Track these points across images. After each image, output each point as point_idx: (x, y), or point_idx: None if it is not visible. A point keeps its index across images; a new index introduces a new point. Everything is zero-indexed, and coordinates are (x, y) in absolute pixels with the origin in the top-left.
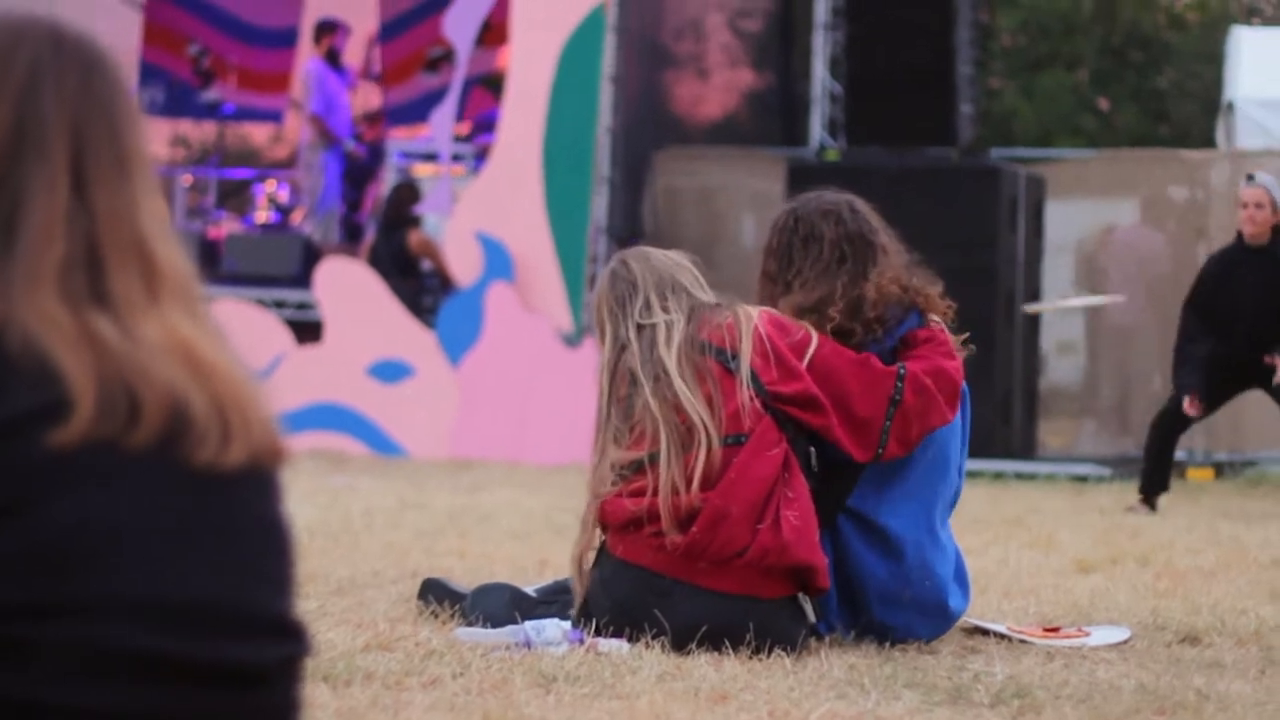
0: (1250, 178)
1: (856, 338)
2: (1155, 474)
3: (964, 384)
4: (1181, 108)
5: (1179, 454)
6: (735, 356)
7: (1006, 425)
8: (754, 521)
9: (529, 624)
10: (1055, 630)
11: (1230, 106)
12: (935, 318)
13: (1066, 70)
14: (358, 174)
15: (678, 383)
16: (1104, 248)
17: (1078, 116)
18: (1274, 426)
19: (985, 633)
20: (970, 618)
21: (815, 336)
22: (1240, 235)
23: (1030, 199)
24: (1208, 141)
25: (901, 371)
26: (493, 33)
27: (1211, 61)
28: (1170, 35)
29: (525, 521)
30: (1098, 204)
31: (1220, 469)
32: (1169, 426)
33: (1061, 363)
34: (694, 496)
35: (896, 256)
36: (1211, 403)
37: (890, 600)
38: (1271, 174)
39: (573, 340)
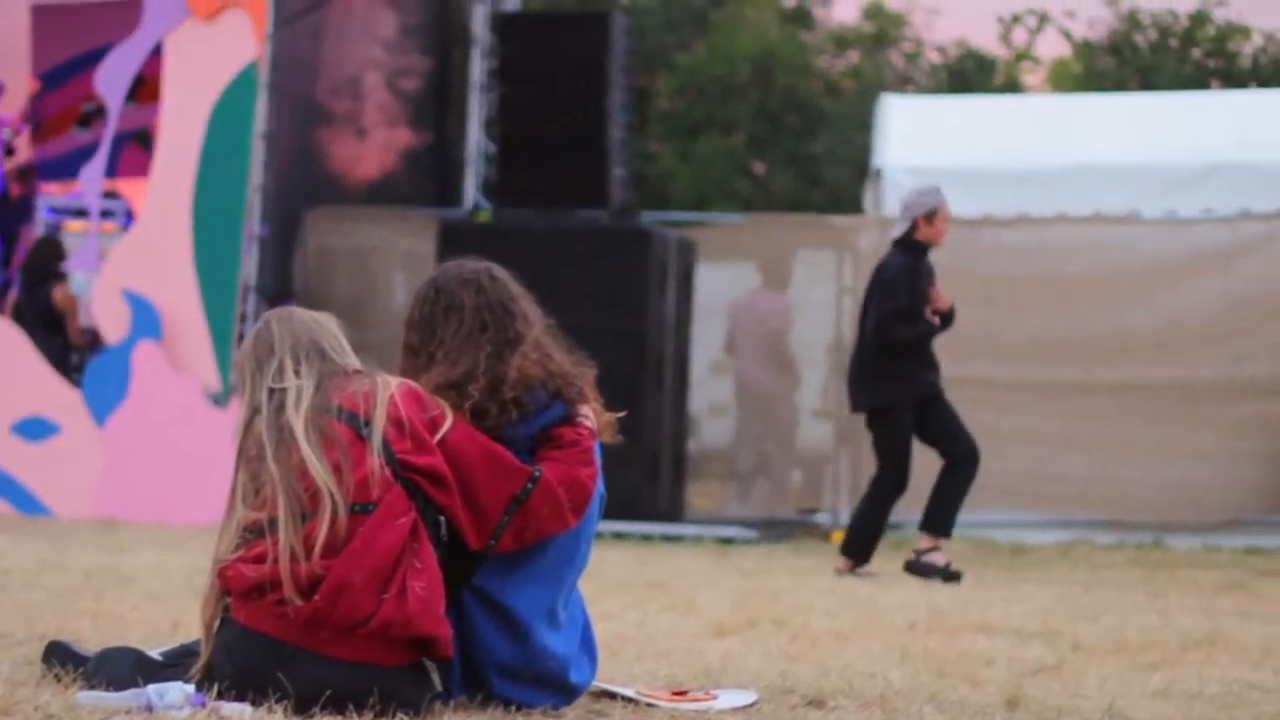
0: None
1: (491, 419)
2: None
3: (598, 488)
4: (835, 173)
5: (822, 517)
6: (369, 423)
7: (654, 487)
8: (379, 590)
9: (151, 688)
10: (683, 693)
11: (879, 173)
12: (584, 410)
13: (723, 135)
14: (6, 228)
15: (304, 447)
16: (738, 311)
17: (733, 181)
18: (916, 490)
19: (614, 696)
20: (600, 681)
21: (451, 416)
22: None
23: (681, 262)
24: (859, 206)
25: (536, 474)
26: (146, 88)
27: (864, 128)
28: (825, 102)
29: (165, 583)
30: (749, 268)
31: None
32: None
33: (713, 425)
34: (315, 564)
35: (538, 324)
36: None
37: (511, 675)
38: None
39: (220, 400)
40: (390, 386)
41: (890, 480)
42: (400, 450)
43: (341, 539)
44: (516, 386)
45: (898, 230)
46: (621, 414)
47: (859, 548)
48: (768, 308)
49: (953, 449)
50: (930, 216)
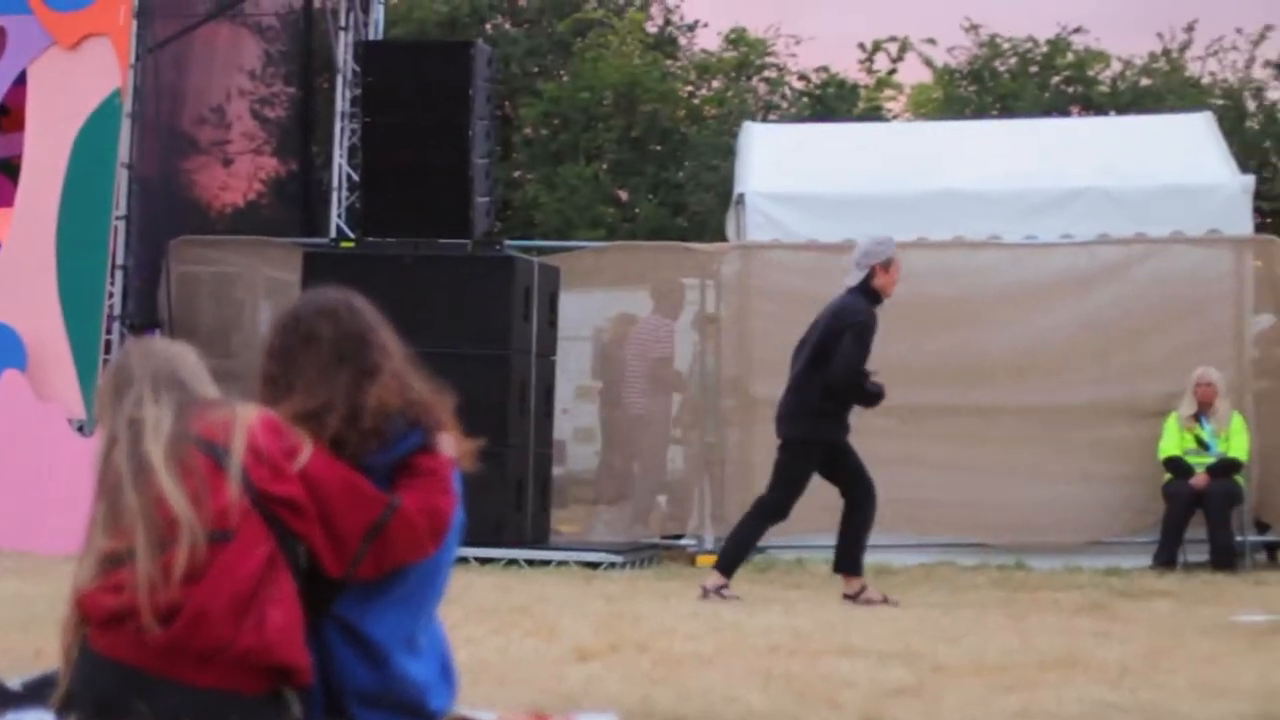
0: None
1: (351, 448)
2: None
3: (457, 516)
4: (698, 200)
5: (689, 541)
6: (227, 452)
7: (519, 513)
8: (237, 619)
9: (9, 716)
10: (544, 718)
11: (741, 199)
12: (443, 438)
13: (587, 162)
14: None
15: (162, 477)
16: (624, 339)
17: (597, 208)
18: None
19: None
20: (460, 707)
21: (309, 446)
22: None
23: (544, 289)
24: (723, 233)
25: (394, 504)
26: (10, 118)
27: (728, 155)
28: (689, 129)
29: (27, 611)
30: (612, 294)
31: None
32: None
33: (579, 451)
34: (174, 592)
35: (397, 354)
36: None
37: (371, 702)
38: (779, 266)
39: (86, 428)
40: (249, 416)
41: (776, 505)
42: (258, 479)
43: (200, 568)
44: (375, 416)
45: (853, 279)
46: (480, 441)
47: (728, 564)
48: (651, 334)
49: (856, 488)
50: (886, 265)
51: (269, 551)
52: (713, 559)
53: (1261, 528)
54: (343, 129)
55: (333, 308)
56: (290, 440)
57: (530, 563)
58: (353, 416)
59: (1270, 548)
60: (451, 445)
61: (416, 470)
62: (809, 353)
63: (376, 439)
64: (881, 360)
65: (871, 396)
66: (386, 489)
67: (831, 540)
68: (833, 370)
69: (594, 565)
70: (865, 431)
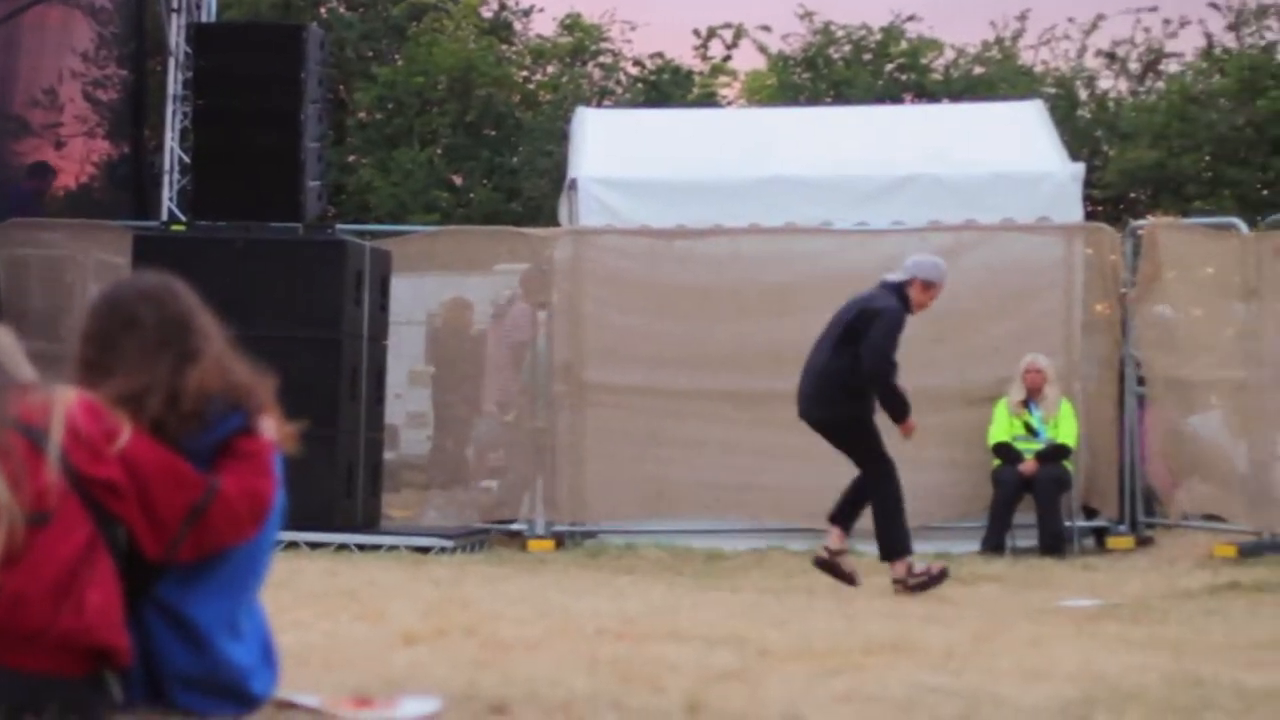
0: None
1: (171, 430)
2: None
3: (278, 499)
4: (532, 185)
5: (520, 525)
6: (45, 435)
7: (349, 498)
8: (56, 602)
9: None
10: (366, 702)
11: (573, 184)
12: (264, 421)
13: (422, 146)
14: None
15: None
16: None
17: (432, 192)
18: (614, 500)
19: (295, 705)
20: (283, 691)
21: (128, 428)
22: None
23: (376, 273)
24: (556, 218)
25: (214, 486)
26: None
27: (562, 140)
28: (523, 114)
29: None
30: (445, 279)
31: (561, 540)
32: None
33: (411, 435)
34: None
35: (218, 338)
36: None
37: (192, 685)
38: (611, 251)
39: None
40: (67, 398)
41: (884, 471)
42: (77, 461)
43: (19, 550)
44: (195, 399)
45: (893, 276)
46: (303, 424)
47: (897, 545)
48: (525, 321)
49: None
50: (927, 285)
51: (88, 534)
52: (546, 543)
53: (1089, 513)
54: (174, 112)
55: (153, 292)
56: (109, 423)
57: (361, 547)
58: (173, 399)
59: (1098, 533)
60: (272, 428)
61: (237, 453)
62: (839, 332)
63: (196, 421)
64: (713, 345)
65: (897, 395)
66: (207, 471)
67: (661, 526)
68: (864, 351)
69: (425, 550)
70: (697, 416)
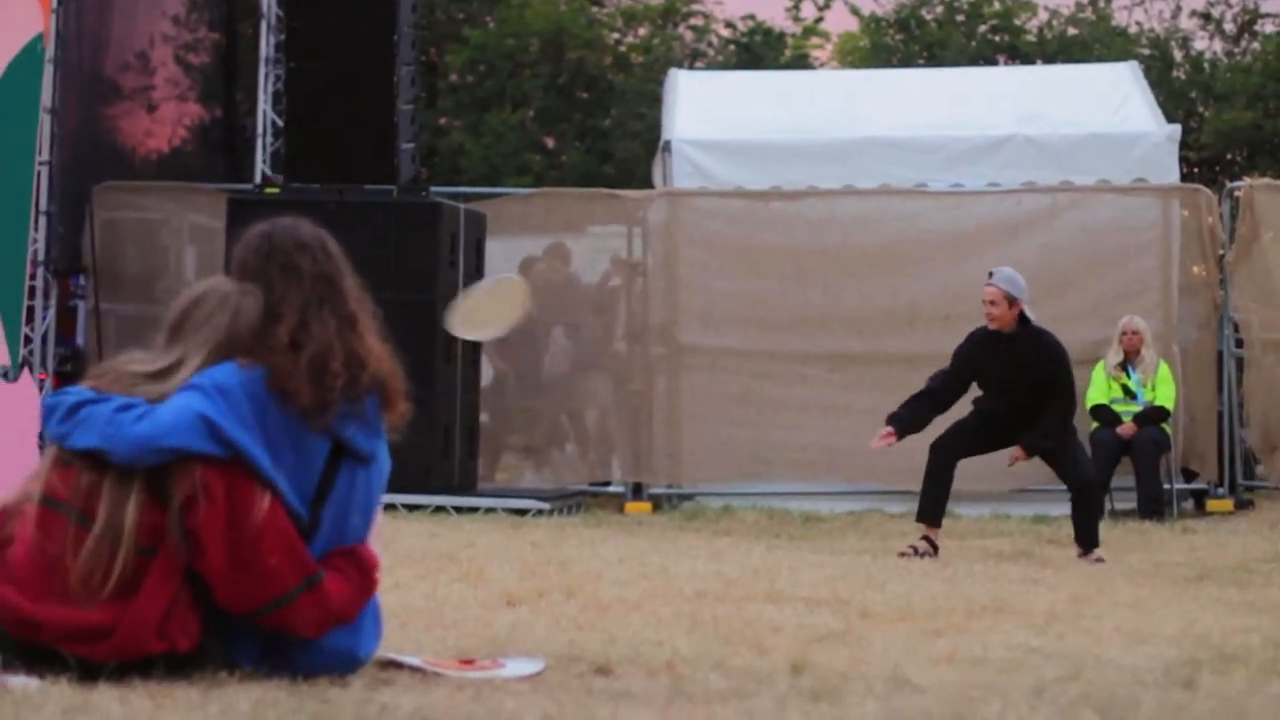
0: (990, 275)
1: (304, 400)
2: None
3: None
4: (625, 147)
5: (617, 488)
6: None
7: (446, 460)
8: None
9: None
10: (470, 662)
11: (667, 146)
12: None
13: (513, 109)
14: None
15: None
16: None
17: (524, 155)
18: (711, 463)
19: (400, 665)
20: (387, 650)
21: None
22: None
23: (470, 235)
24: (650, 181)
25: (319, 576)
26: None
27: (654, 102)
28: (615, 76)
29: None
30: (539, 241)
31: (658, 503)
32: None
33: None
34: None
35: (366, 305)
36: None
37: (299, 645)
38: (705, 213)
39: (9, 374)
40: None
41: (1090, 479)
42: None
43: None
44: (373, 378)
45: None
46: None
47: (1090, 537)
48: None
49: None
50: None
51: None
52: (644, 506)
53: (1189, 476)
54: (267, 74)
55: (310, 244)
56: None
57: (458, 510)
58: (353, 370)
59: (1197, 496)
60: (379, 545)
61: (358, 561)
62: (1040, 382)
63: (350, 393)
64: (808, 307)
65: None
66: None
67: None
68: (1066, 400)
69: (521, 513)
70: (792, 378)
